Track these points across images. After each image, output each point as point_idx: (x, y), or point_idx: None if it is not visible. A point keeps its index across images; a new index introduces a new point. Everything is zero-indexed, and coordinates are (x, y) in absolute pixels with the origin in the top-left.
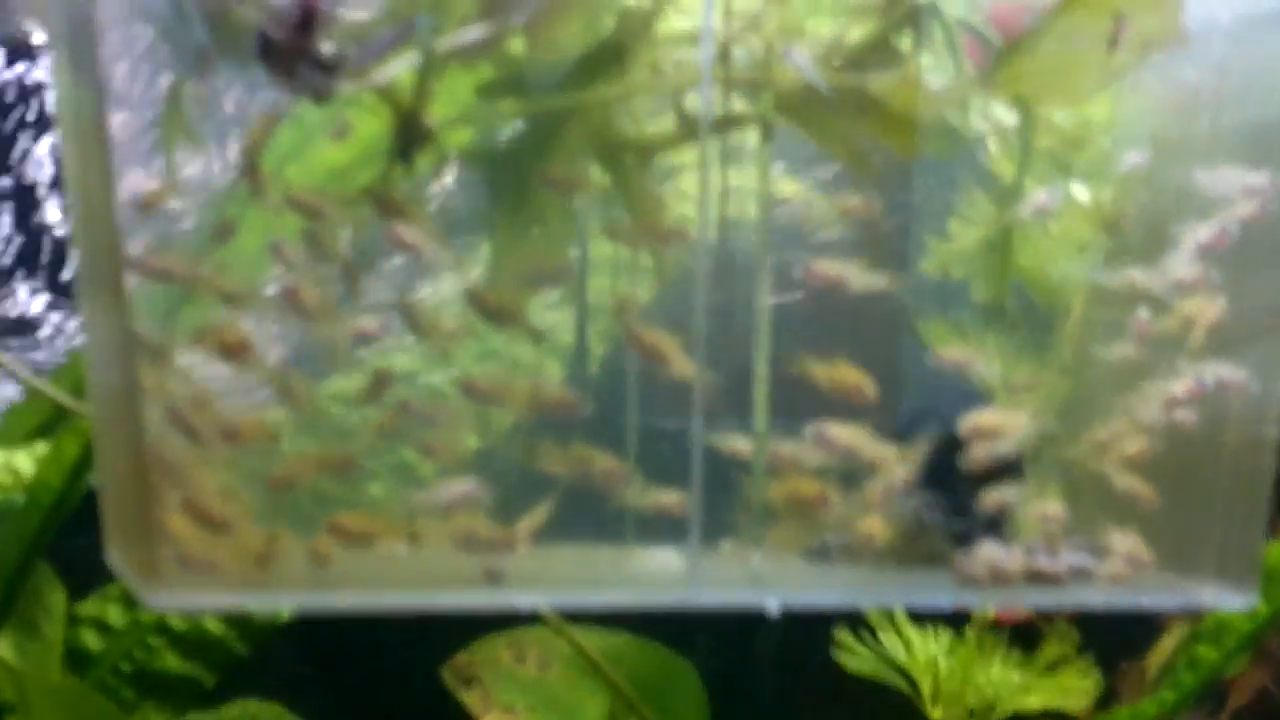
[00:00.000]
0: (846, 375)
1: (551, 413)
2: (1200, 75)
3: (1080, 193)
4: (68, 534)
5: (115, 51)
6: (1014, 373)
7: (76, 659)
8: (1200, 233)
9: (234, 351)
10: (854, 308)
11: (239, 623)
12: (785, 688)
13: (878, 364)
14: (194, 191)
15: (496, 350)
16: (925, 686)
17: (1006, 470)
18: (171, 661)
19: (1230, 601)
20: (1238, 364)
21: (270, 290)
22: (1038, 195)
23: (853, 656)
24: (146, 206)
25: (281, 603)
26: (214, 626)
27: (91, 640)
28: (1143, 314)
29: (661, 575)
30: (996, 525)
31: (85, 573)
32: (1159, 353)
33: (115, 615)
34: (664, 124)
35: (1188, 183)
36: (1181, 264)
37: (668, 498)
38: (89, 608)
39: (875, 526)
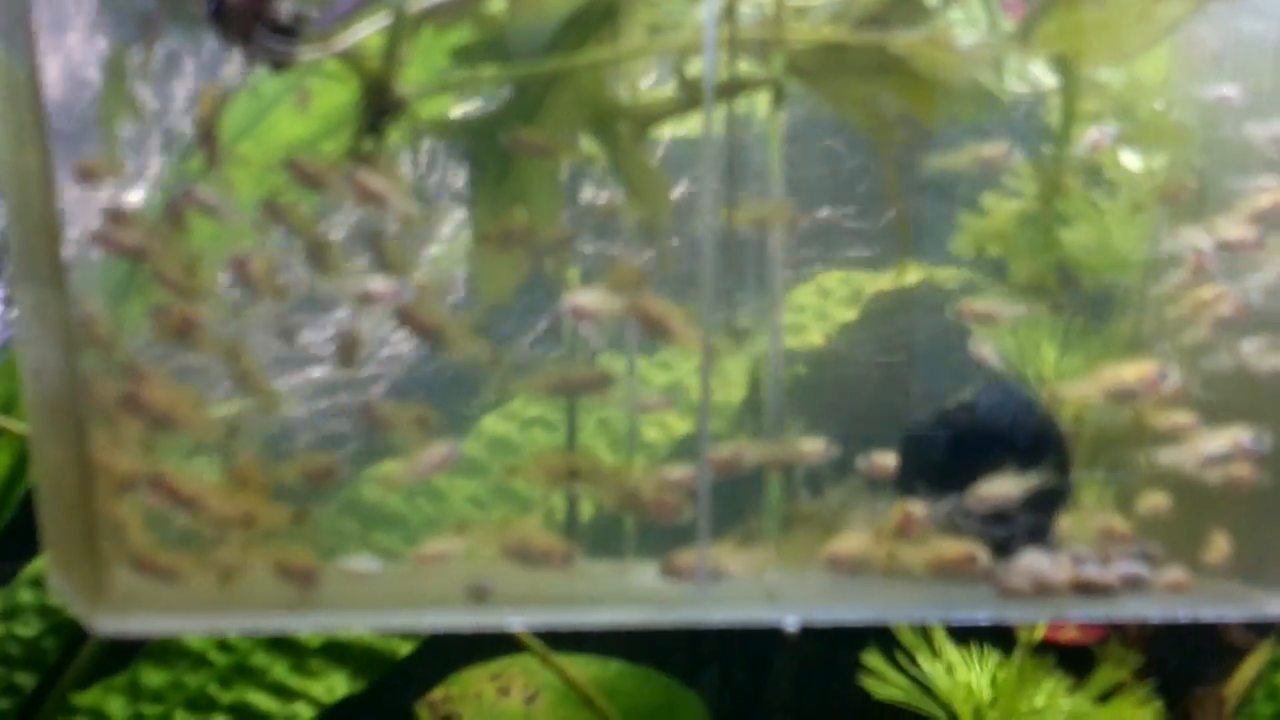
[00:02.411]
0: None
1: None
2: (1264, 26)
3: (1131, 160)
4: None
5: (51, 18)
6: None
7: None
8: (1260, 197)
9: (182, 331)
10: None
11: None
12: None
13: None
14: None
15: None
16: (965, 716)
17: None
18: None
19: None
20: None
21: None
22: (1090, 134)
23: (883, 683)
24: (86, 180)
25: (251, 624)
26: None
27: None
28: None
29: (668, 591)
30: (1041, 532)
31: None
32: (1222, 333)
33: (117, 709)
34: (663, 91)
35: (1246, 141)
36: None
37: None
38: (87, 698)
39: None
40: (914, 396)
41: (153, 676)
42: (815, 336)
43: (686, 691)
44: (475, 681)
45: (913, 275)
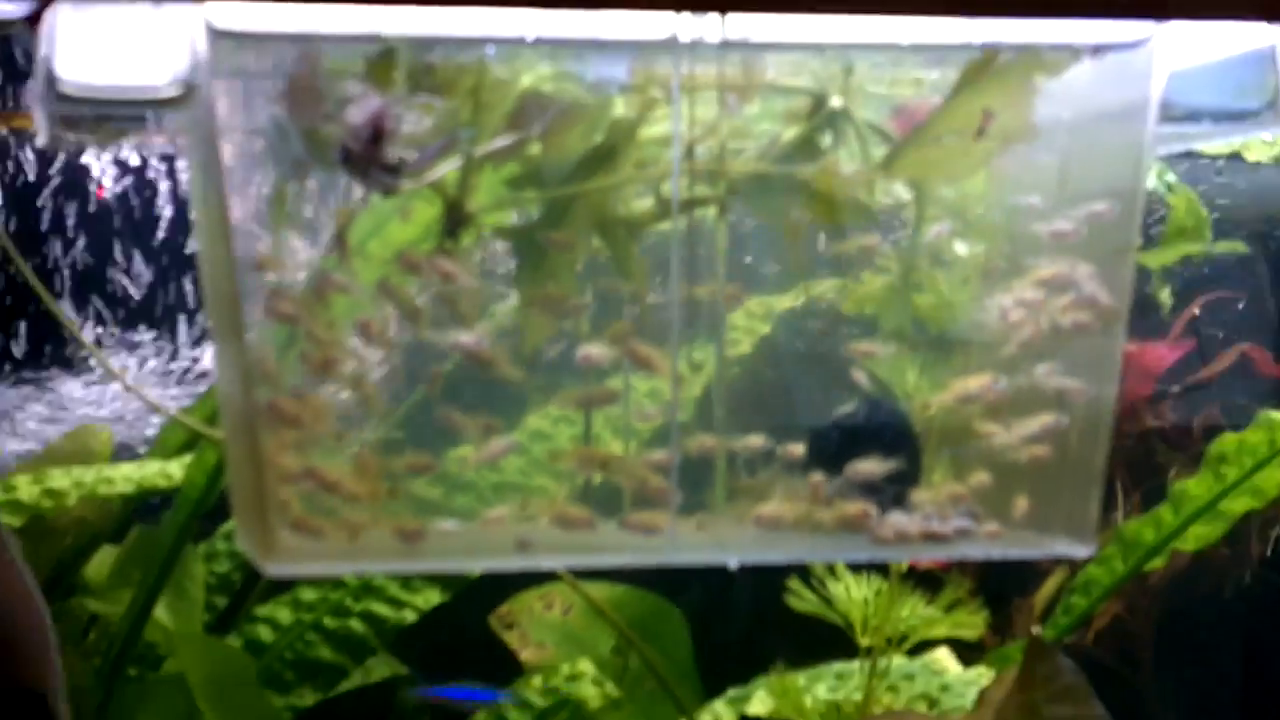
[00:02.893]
0: None
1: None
2: (1049, 158)
3: (961, 247)
4: (206, 522)
5: (234, 157)
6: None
7: (253, 648)
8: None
9: (324, 369)
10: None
11: (375, 623)
12: (751, 626)
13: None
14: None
15: None
16: (857, 621)
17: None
18: (324, 652)
19: (1076, 551)
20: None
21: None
22: (933, 229)
23: (801, 600)
24: (259, 270)
25: (373, 568)
26: (356, 625)
27: (265, 634)
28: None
29: (649, 543)
30: (901, 499)
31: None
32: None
33: (284, 615)
34: (646, 205)
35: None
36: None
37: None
38: (265, 609)
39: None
40: (809, 397)
41: (307, 593)
42: (745, 346)
43: (671, 606)
44: (528, 600)
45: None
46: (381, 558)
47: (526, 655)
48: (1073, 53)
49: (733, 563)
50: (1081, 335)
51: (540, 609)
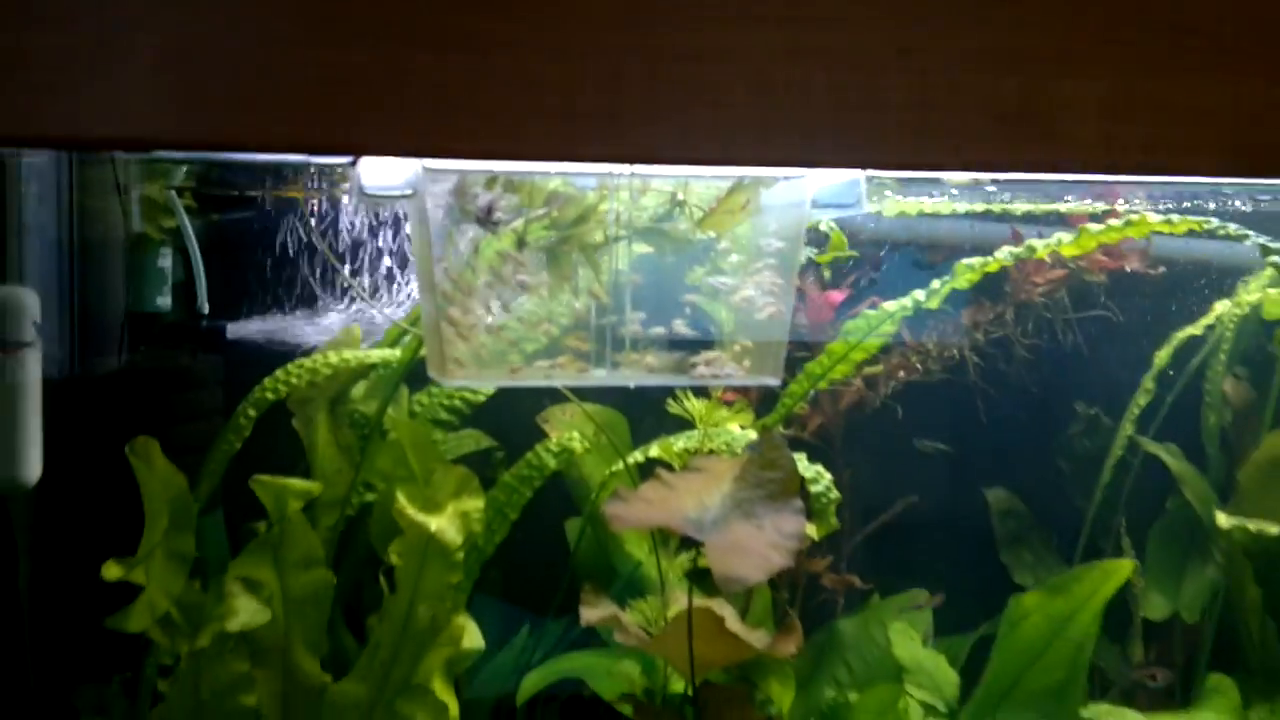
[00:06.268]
0: None
1: None
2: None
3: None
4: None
5: (431, 221)
6: None
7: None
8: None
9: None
10: None
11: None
12: (651, 423)
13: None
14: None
15: None
16: (698, 418)
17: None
18: (444, 417)
19: (773, 381)
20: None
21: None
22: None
23: (677, 407)
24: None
25: (494, 384)
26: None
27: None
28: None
29: (594, 376)
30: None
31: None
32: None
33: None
34: (599, 238)
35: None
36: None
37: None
38: (422, 398)
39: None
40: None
41: (423, 399)
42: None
43: (621, 415)
44: (553, 411)
45: None
46: (499, 379)
47: (553, 437)
48: (781, 178)
49: (631, 384)
50: (773, 297)
51: (559, 414)
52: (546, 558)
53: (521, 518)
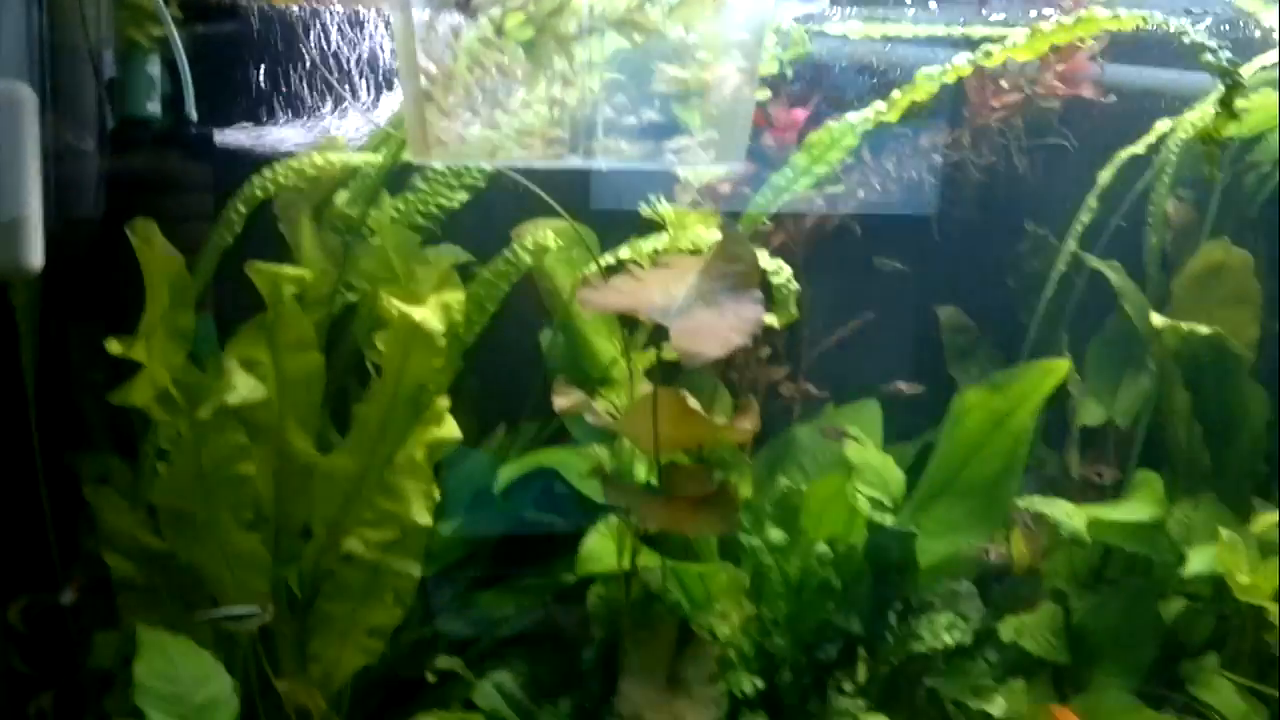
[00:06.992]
0: None
1: None
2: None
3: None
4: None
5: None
6: None
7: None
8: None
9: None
10: None
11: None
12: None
13: None
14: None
15: None
16: (670, 222)
17: None
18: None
19: (735, 166)
20: None
21: None
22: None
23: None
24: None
25: (469, 163)
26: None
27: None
28: None
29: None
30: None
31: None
32: None
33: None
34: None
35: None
36: None
37: None
38: (399, 204)
39: None
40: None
41: (421, 185)
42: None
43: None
44: (529, 228)
45: None
46: (479, 159)
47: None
48: None
49: (604, 168)
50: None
51: (534, 229)
52: (522, 365)
53: (497, 332)
